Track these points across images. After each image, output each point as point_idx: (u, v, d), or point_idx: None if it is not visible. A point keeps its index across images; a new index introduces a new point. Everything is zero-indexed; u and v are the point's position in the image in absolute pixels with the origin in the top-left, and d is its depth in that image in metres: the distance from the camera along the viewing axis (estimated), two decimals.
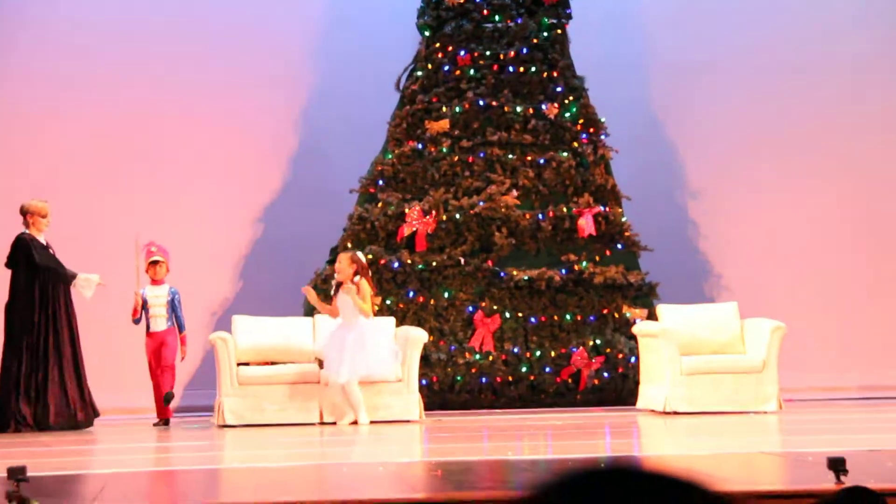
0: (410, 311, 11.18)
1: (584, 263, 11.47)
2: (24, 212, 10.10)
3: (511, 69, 11.81)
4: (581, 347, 11.26)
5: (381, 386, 9.92)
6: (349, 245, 11.17)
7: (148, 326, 10.34)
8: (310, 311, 11.01)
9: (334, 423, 9.77)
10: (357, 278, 9.79)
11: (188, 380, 11.75)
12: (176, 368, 10.32)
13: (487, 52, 11.84)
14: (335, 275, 10.06)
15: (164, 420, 10.17)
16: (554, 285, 11.37)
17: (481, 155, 11.67)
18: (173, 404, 10.43)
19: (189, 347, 10.50)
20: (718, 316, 10.54)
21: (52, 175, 11.79)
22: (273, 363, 10.19)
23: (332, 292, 10.07)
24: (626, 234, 11.64)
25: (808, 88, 12.71)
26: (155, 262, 10.38)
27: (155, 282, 10.40)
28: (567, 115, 11.80)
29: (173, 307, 10.34)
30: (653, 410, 10.22)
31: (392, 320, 10.36)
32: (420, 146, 11.67)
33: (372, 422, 9.71)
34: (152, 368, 10.27)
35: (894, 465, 5.91)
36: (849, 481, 4.95)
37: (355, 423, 9.65)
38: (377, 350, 9.79)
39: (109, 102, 12.12)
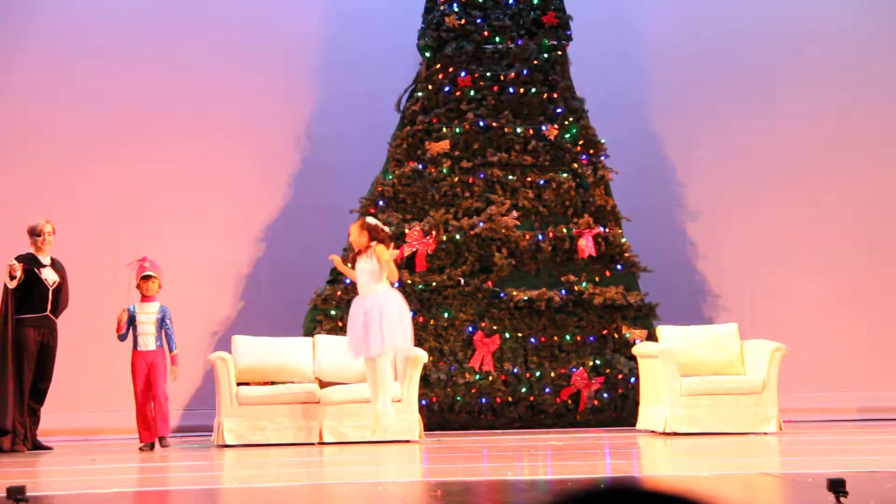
0: None
1: (584, 284, 11.49)
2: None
3: (511, 90, 11.85)
4: (581, 368, 11.27)
5: None
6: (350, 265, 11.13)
7: (136, 344, 9.92)
8: (310, 330, 11.01)
9: (334, 443, 9.74)
10: (374, 244, 9.39)
11: (187, 399, 11.73)
12: (168, 398, 9.92)
13: (488, 74, 11.87)
14: (354, 247, 9.63)
15: (149, 444, 9.77)
16: (554, 306, 11.38)
17: (481, 176, 11.70)
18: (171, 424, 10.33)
19: (189, 367, 10.37)
20: (718, 337, 10.54)
21: (51, 192, 11.79)
22: (273, 383, 10.17)
23: (350, 265, 9.67)
24: (626, 255, 11.65)
25: (807, 109, 12.73)
26: (147, 278, 9.93)
27: (145, 298, 9.96)
28: (567, 136, 11.83)
29: (163, 325, 9.93)
30: (653, 431, 10.21)
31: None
32: (420, 167, 11.69)
33: (371, 442, 9.68)
34: (137, 391, 9.81)
35: (894, 486, 5.91)
36: (848, 503, 4.95)
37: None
38: (399, 317, 9.36)
39: (110, 118, 12.12)
